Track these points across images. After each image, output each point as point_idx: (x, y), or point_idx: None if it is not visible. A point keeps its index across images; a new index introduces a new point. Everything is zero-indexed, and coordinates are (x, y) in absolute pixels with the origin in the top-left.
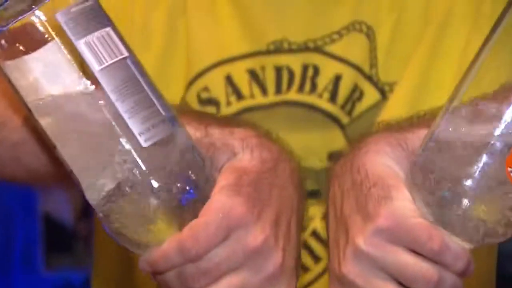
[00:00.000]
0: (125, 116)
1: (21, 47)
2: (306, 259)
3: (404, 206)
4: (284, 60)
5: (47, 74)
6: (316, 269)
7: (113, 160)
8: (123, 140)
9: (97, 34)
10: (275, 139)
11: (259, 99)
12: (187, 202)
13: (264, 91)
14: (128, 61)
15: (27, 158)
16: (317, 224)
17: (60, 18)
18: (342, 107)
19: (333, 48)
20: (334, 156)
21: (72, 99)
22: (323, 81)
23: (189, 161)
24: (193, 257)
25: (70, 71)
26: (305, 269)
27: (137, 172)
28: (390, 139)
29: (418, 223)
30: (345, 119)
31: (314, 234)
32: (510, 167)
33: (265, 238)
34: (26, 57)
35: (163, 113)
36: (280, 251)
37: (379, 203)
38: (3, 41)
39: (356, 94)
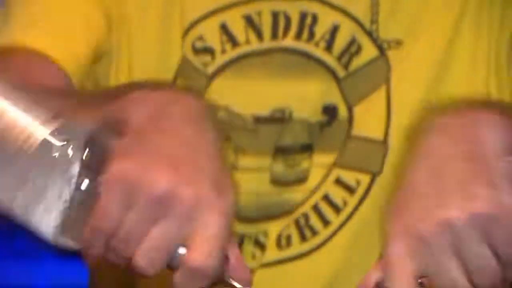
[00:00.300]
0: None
1: None
2: (316, 223)
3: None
4: (281, 5)
5: None
6: (325, 232)
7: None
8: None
9: None
10: (162, 84)
11: (255, 45)
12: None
13: (259, 36)
14: None
15: None
16: (329, 188)
17: None
18: (339, 58)
19: None
20: (328, 110)
21: None
22: (321, 29)
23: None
24: (109, 232)
25: None
26: (314, 232)
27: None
28: (504, 119)
29: None
30: (341, 72)
31: (326, 198)
32: None
33: (165, 181)
34: None
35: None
36: (187, 187)
37: (483, 186)
38: None
39: (353, 47)
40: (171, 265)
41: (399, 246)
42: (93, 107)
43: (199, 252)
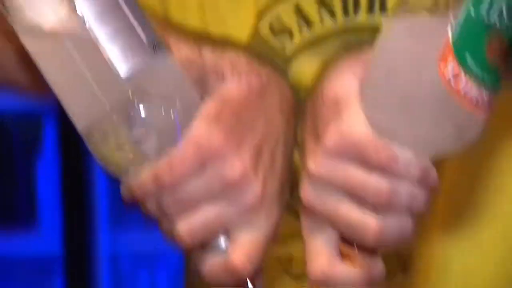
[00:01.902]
0: (104, 44)
1: None
2: None
3: (354, 123)
4: None
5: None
6: None
7: (96, 89)
8: (102, 68)
9: None
10: (268, 64)
11: (329, 23)
12: (169, 129)
13: (332, 14)
14: None
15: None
16: None
17: None
18: None
19: None
20: None
21: (54, 25)
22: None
23: (175, 88)
24: (167, 185)
25: None
26: None
27: (119, 101)
28: (350, 60)
29: (365, 138)
30: None
31: None
32: (442, 66)
33: (243, 168)
34: None
35: (144, 40)
36: (260, 183)
37: (328, 124)
38: None
39: None
40: (207, 247)
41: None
42: (190, 43)
43: (243, 252)
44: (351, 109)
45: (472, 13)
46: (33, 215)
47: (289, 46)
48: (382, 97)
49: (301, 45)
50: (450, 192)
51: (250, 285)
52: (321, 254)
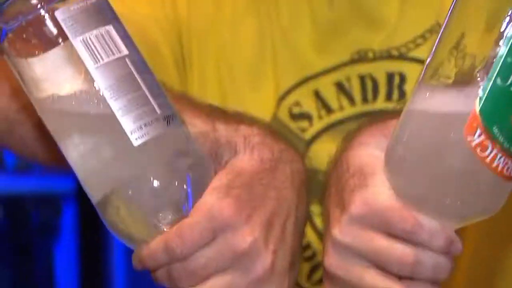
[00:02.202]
0: (118, 114)
1: (26, 45)
2: None
3: (379, 191)
4: (366, 68)
5: (48, 74)
6: None
7: (110, 162)
8: (115, 139)
9: (95, 32)
10: (281, 138)
11: (348, 110)
12: (181, 200)
13: (351, 101)
14: (127, 60)
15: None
16: None
17: (59, 15)
18: None
19: (418, 53)
20: None
21: (70, 98)
22: (411, 86)
23: (186, 160)
24: (178, 256)
25: (69, 71)
26: None
27: (130, 171)
28: (373, 130)
29: (390, 206)
30: None
31: None
32: (469, 135)
33: (254, 240)
34: (30, 59)
35: (158, 111)
36: (270, 254)
37: (353, 192)
38: (11, 36)
39: None
40: None
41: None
42: (205, 117)
43: None
44: (376, 177)
45: (499, 82)
46: None
47: (308, 130)
48: (408, 167)
49: (320, 130)
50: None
51: None
52: None
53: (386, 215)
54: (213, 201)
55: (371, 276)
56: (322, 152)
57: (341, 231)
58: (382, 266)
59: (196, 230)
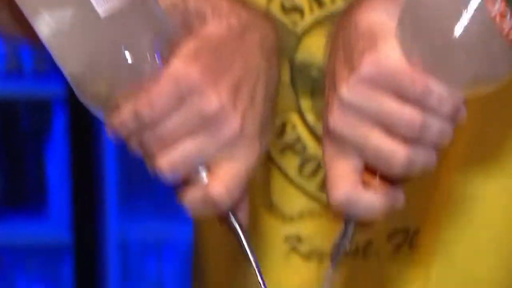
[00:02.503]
0: None
1: None
2: None
3: (390, 54)
4: None
5: None
6: None
7: (82, 33)
8: (83, 12)
9: None
10: (251, 7)
11: (339, 3)
12: (149, 68)
13: None
14: None
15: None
16: None
17: None
18: None
19: None
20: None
21: None
22: None
23: (154, 28)
24: (147, 122)
25: None
26: None
27: (99, 43)
28: None
29: (401, 68)
30: None
31: None
32: (491, 7)
33: (221, 103)
34: None
35: None
36: (238, 117)
37: (363, 53)
38: None
39: None
40: (187, 180)
41: None
42: None
43: (221, 183)
44: (387, 41)
45: None
46: (42, 201)
47: (300, 24)
48: (421, 30)
49: (312, 23)
50: (461, 164)
51: (232, 218)
52: (345, 179)
53: (396, 77)
54: (180, 66)
55: (377, 136)
56: (314, 47)
57: (349, 90)
58: (389, 127)
59: (163, 95)
